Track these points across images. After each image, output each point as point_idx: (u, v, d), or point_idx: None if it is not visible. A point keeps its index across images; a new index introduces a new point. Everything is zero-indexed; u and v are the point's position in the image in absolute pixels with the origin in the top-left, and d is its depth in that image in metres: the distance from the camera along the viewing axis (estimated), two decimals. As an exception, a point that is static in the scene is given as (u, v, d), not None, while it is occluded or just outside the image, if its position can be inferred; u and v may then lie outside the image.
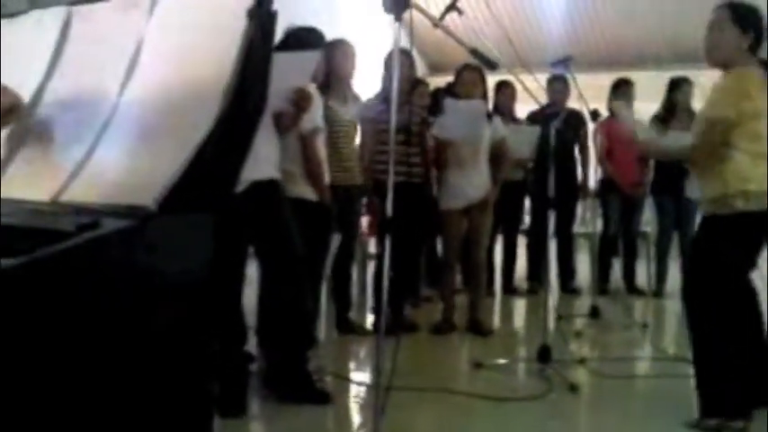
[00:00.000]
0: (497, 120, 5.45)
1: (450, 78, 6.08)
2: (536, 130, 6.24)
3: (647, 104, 6.72)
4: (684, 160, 3.47)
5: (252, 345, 3.85)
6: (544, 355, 4.25)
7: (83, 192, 1.30)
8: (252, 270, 3.79)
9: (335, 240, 4.64)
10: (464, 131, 5.09)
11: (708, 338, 3.35)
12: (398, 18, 2.84)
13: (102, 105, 1.32)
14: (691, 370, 3.70)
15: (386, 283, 2.96)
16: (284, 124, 3.79)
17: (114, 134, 1.26)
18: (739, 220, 3.24)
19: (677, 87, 6.49)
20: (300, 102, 3.77)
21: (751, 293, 3.35)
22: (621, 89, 6.65)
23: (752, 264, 3.38)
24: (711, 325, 3.32)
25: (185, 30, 1.28)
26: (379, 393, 2.81)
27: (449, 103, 5.08)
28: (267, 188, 3.54)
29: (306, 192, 4.18)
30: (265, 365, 3.79)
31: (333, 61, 4.73)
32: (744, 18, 3.30)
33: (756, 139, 3.23)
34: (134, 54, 1.26)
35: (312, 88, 3.94)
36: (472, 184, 5.20)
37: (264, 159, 3.51)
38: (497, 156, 5.33)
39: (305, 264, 3.65)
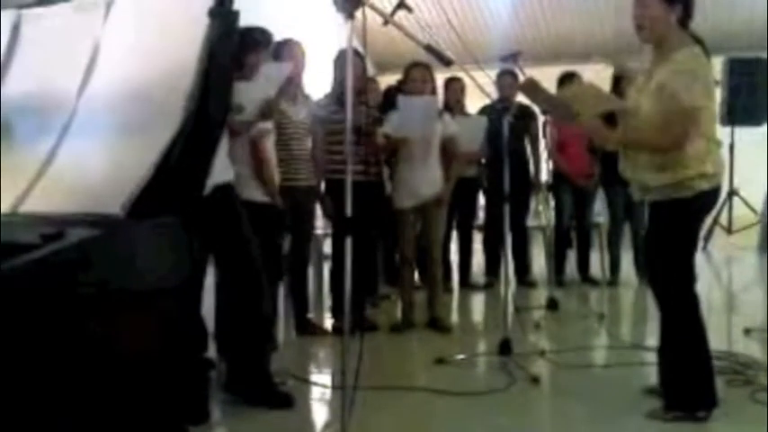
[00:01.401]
0: (447, 116, 5.46)
1: (397, 77, 6.08)
2: (483, 121, 6.24)
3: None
4: (642, 149, 3.41)
5: (211, 350, 3.81)
6: (504, 348, 4.27)
7: (45, 201, 1.25)
8: (209, 276, 3.75)
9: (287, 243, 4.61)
10: (417, 128, 5.08)
11: (676, 329, 3.39)
12: (351, 16, 2.83)
13: (60, 110, 1.28)
14: (647, 357, 3.76)
15: (348, 282, 2.94)
16: (241, 132, 3.80)
17: (75, 140, 1.22)
18: (698, 200, 3.29)
19: (622, 79, 6.56)
20: (267, 113, 3.85)
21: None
22: (568, 82, 6.71)
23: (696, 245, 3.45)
24: (680, 315, 3.36)
25: (145, 31, 1.25)
26: (345, 394, 2.80)
27: (402, 100, 5.07)
28: (226, 192, 3.51)
29: (256, 194, 4.15)
30: (226, 370, 3.75)
31: (283, 61, 4.69)
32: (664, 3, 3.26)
33: (710, 120, 3.30)
34: (91, 57, 1.22)
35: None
36: (425, 181, 5.20)
37: (222, 162, 3.48)
38: (448, 152, 5.34)
39: (263, 268, 3.62)
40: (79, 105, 1.22)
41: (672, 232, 3.36)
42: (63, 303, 1.20)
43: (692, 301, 3.33)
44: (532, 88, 3.62)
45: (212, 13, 1.40)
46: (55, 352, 1.24)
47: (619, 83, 6.54)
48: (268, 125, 4.11)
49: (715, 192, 3.33)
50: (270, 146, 4.23)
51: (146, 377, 1.43)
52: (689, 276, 3.34)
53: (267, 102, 3.84)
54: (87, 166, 1.21)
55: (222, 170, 3.49)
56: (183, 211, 1.32)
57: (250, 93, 3.52)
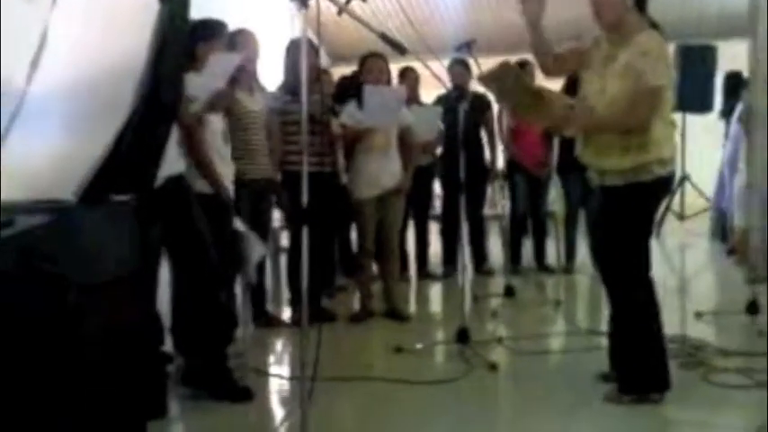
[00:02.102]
0: (403, 107, 5.45)
1: (350, 68, 6.07)
2: (438, 110, 6.26)
3: (547, 84, 6.84)
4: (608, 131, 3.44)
5: (168, 344, 3.76)
6: (462, 336, 4.30)
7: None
8: (163, 270, 3.71)
9: (253, 235, 4.56)
10: (383, 118, 5.06)
11: (624, 313, 3.43)
12: (304, 5, 2.81)
13: (8, 97, 1.25)
14: (603, 342, 3.81)
15: (305, 274, 2.93)
16: (188, 122, 3.77)
17: (24, 126, 1.20)
18: (655, 185, 3.33)
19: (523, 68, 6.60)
20: (216, 103, 3.84)
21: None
22: (522, 70, 6.75)
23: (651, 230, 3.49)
24: (636, 298, 3.40)
25: (95, 17, 1.22)
26: (304, 385, 2.79)
27: (369, 89, 5.01)
28: (178, 183, 3.47)
29: (200, 185, 4.09)
30: (183, 365, 3.71)
31: (236, 51, 4.64)
32: None
33: (668, 103, 3.34)
34: (40, 42, 1.19)
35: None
36: (386, 171, 5.19)
37: (173, 154, 3.44)
38: (405, 143, 5.34)
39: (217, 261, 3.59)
40: (28, 93, 1.19)
41: (629, 216, 3.40)
42: (12, 291, 1.17)
43: (647, 285, 3.38)
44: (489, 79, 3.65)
45: (162, -1, 1.40)
46: (4, 343, 1.21)
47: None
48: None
49: (671, 177, 3.39)
50: (212, 135, 4.15)
51: (101, 369, 1.40)
52: (645, 260, 3.39)
53: (216, 93, 3.81)
54: (37, 154, 1.19)
55: (175, 161, 3.45)
56: (135, 198, 1.30)
57: (199, 84, 3.47)
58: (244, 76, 4.72)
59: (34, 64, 1.24)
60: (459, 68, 6.61)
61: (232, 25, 4.67)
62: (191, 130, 3.97)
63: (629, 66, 3.28)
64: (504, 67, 3.53)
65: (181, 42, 1.27)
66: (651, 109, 3.25)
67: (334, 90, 6.17)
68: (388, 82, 5.29)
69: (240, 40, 4.70)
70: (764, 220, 4.59)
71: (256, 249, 4.50)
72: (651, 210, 3.43)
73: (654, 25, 3.36)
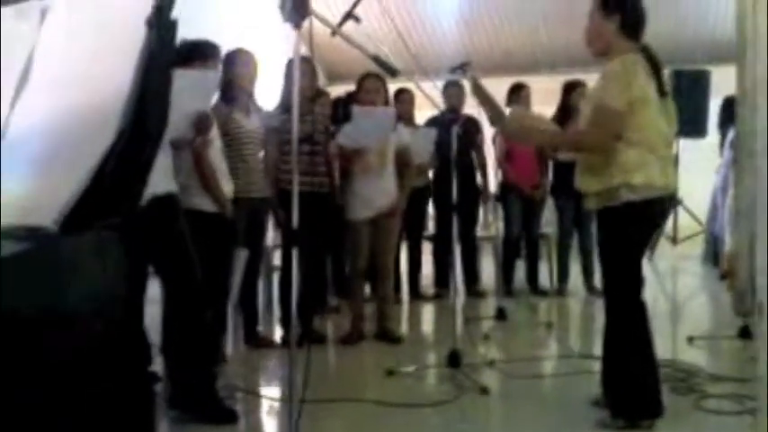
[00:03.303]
0: (401, 127, 5.46)
1: (347, 88, 6.08)
2: (432, 133, 6.28)
3: (542, 108, 6.87)
4: (574, 150, 3.56)
5: (157, 364, 3.74)
6: (454, 359, 4.28)
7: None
8: (155, 288, 3.69)
9: (243, 256, 4.55)
10: (373, 139, 5.06)
11: (621, 337, 3.42)
12: (298, 27, 2.81)
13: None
14: (595, 366, 3.79)
15: (295, 294, 2.92)
16: (182, 146, 3.78)
17: (7, 151, 1.19)
18: (627, 210, 3.31)
19: (572, 90, 6.64)
20: (201, 127, 3.83)
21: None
22: (517, 93, 6.79)
23: (642, 251, 3.48)
24: (624, 322, 3.39)
25: (81, 40, 1.21)
26: (293, 407, 2.77)
27: (357, 110, 5.03)
28: (166, 203, 3.45)
29: (203, 203, 4.11)
30: (170, 386, 3.67)
31: (234, 71, 4.65)
32: (606, 2, 3.39)
33: (640, 128, 3.30)
34: (25, 66, 1.18)
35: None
36: (381, 192, 5.18)
37: (162, 172, 3.42)
38: (401, 163, 5.34)
39: (205, 282, 3.56)
40: (11, 116, 1.18)
41: (609, 240, 3.43)
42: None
43: (637, 309, 3.37)
44: (476, 87, 3.74)
45: (150, 23, 1.38)
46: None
47: (569, 92, 6.66)
48: (211, 134, 4.07)
49: (650, 203, 3.33)
50: (214, 154, 4.18)
51: (86, 394, 1.39)
52: (632, 284, 3.38)
53: (199, 116, 3.83)
54: (18, 179, 1.18)
55: (162, 180, 3.44)
56: (118, 226, 1.29)
57: (177, 105, 3.47)
58: (240, 96, 4.73)
59: (19, 88, 1.23)
60: (455, 90, 6.64)
61: (227, 45, 4.69)
62: (198, 150, 3.98)
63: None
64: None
65: (168, 68, 1.26)
66: (605, 130, 3.31)
67: (330, 110, 6.18)
68: (386, 102, 5.30)
69: (238, 61, 4.70)
70: (751, 250, 4.56)
71: (240, 256, 4.51)
72: (629, 235, 3.38)
73: (644, 49, 3.38)
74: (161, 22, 1.30)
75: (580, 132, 3.54)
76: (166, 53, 1.29)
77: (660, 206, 3.45)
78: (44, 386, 1.21)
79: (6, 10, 1.57)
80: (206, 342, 3.61)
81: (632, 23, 3.39)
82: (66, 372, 1.24)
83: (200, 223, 3.84)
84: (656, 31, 3.48)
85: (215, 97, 4.37)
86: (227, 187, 4.30)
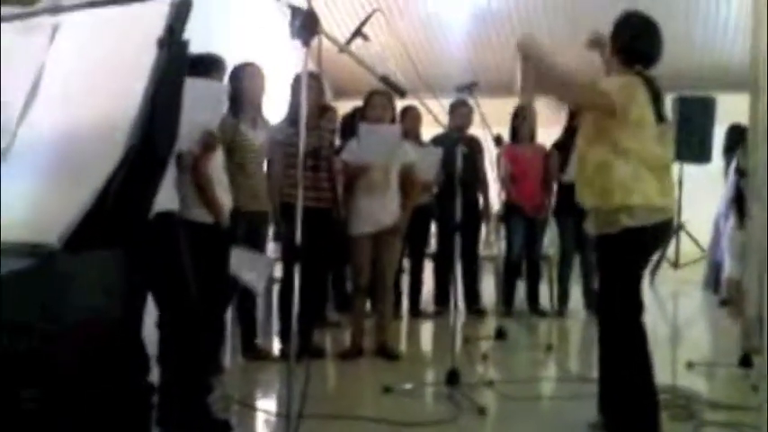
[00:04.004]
0: (406, 144, 5.47)
1: (355, 103, 6.10)
2: (438, 152, 6.29)
3: (547, 130, 6.92)
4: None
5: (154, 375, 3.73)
6: (452, 378, 4.27)
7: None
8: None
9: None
10: (378, 156, 5.08)
11: (614, 361, 3.42)
12: (306, 44, 2.83)
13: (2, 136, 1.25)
14: (594, 390, 3.78)
15: (295, 309, 2.92)
16: (187, 165, 3.80)
17: (13, 167, 1.19)
18: (625, 236, 3.32)
19: (579, 113, 6.63)
20: (207, 145, 3.87)
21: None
22: (522, 114, 6.81)
23: (640, 276, 3.47)
24: (618, 347, 3.39)
25: (91, 57, 1.22)
26: (290, 422, 2.77)
27: (363, 128, 5.06)
28: (167, 221, 3.44)
29: (201, 214, 4.11)
30: (159, 404, 3.62)
31: (242, 85, 4.67)
32: (614, 32, 3.50)
33: (636, 140, 3.32)
34: (34, 82, 1.18)
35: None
36: (383, 209, 5.18)
37: (165, 189, 3.42)
38: (406, 181, 5.34)
39: (201, 296, 3.56)
40: (19, 132, 1.18)
41: (608, 266, 3.45)
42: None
43: (635, 334, 3.36)
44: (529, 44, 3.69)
45: (161, 43, 1.37)
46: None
47: (575, 115, 6.67)
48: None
49: (647, 229, 3.34)
50: (214, 166, 4.19)
51: (86, 407, 1.39)
52: (631, 308, 3.37)
53: (208, 133, 3.87)
54: (24, 195, 1.18)
55: (165, 197, 3.43)
56: (122, 244, 1.30)
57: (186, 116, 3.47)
58: (248, 110, 4.75)
59: (27, 103, 1.24)
60: (464, 110, 6.64)
61: (235, 60, 4.71)
62: (197, 160, 4.00)
63: None
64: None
65: (178, 88, 1.26)
66: (593, 94, 3.38)
67: (338, 126, 6.21)
68: (393, 119, 5.31)
69: (247, 74, 4.72)
70: (762, 287, 4.54)
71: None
72: (628, 261, 3.39)
73: (639, 74, 3.41)
74: (172, 42, 1.30)
75: (576, 83, 3.51)
76: (177, 73, 1.29)
77: (659, 232, 3.45)
78: (45, 397, 1.22)
79: (17, 24, 1.57)
80: (199, 361, 3.60)
81: (629, 51, 3.44)
82: (68, 384, 1.24)
83: (197, 234, 3.84)
84: (662, 56, 3.50)
85: (224, 109, 4.38)
86: (227, 199, 4.30)
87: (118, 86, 1.23)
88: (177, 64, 1.28)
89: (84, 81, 1.21)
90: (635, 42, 3.45)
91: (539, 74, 3.45)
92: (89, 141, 1.18)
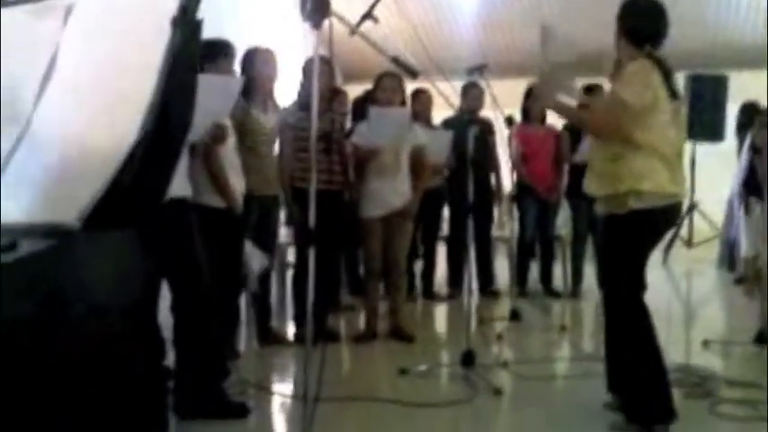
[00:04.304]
0: (417, 127, 5.46)
1: (365, 87, 6.08)
2: (449, 135, 6.28)
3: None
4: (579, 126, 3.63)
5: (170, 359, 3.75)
6: (467, 359, 4.28)
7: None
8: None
9: (257, 251, 4.58)
10: (387, 138, 5.07)
11: (622, 344, 3.41)
12: (317, 27, 2.82)
13: (16, 119, 1.24)
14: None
15: (310, 292, 2.93)
16: (199, 153, 3.82)
17: (31, 149, 1.19)
18: (633, 219, 3.31)
19: (590, 93, 6.61)
20: (216, 137, 3.92)
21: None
22: (533, 96, 6.76)
23: (646, 258, 3.46)
24: (624, 330, 3.39)
25: (106, 38, 1.21)
26: (306, 405, 2.78)
27: (373, 110, 5.05)
28: (180, 207, 3.45)
29: (213, 199, 4.13)
30: (175, 386, 3.64)
31: (254, 69, 4.67)
32: (621, 14, 3.48)
33: (651, 131, 3.31)
34: (49, 64, 1.18)
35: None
36: (394, 191, 5.18)
37: (179, 175, 3.43)
38: (417, 163, 5.34)
39: (214, 280, 3.57)
40: (35, 115, 1.18)
41: (613, 246, 3.44)
42: (18, 314, 1.17)
43: (639, 311, 3.36)
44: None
45: (175, 22, 1.37)
46: (9, 362, 1.21)
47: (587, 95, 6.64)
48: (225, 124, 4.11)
49: (655, 212, 3.33)
50: (227, 150, 4.21)
51: (103, 388, 1.40)
52: (633, 288, 3.37)
53: (219, 126, 3.91)
54: (42, 177, 1.18)
55: (179, 183, 3.45)
56: (139, 224, 1.30)
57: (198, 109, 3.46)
58: (259, 94, 4.74)
59: (43, 85, 1.24)
60: (476, 92, 6.62)
61: (246, 44, 4.70)
62: (209, 148, 4.01)
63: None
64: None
65: (193, 68, 1.25)
66: (613, 121, 3.33)
67: (350, 109, 6.20)
68: (402, 102, 5.30)
69: (259, 59, 4.72)
70: None
71: (257, 260, 4.53)
72: (633, 243, 3.38)
73: (649, 55, 3.39)
74: (186, 22, 1.30)
75: (591, 115, 3.60)
76: (191, 53, 1.28)
77: (668, 215, 3.44)
78: (61, 375, 1.22)
79: (30, 7, 1.57)
80: (213, 345, 3.62)
81: (637, 32, 3.42)
82: (84, 364, 1.24)
83: (209, 219, 3.86)
84: (674, 35, 3.49)
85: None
86: (239, 183, 4.32)
87: (133, 66, 1.22)
88: (191, 43, 1.27)
89: (98, 62, 1.20)
90: (641, 23, 3.45)
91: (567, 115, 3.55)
92: (107, 121, 1.17)
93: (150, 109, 1.18)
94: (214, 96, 3.65)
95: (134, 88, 1.19)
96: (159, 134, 1.23)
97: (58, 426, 1.30)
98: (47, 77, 1.17)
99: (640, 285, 3.37)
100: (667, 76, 3.38)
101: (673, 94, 3.38)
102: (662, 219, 3.43)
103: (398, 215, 5.21)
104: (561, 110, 3.69)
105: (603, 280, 3.53)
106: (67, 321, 1.16)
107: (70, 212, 1.15)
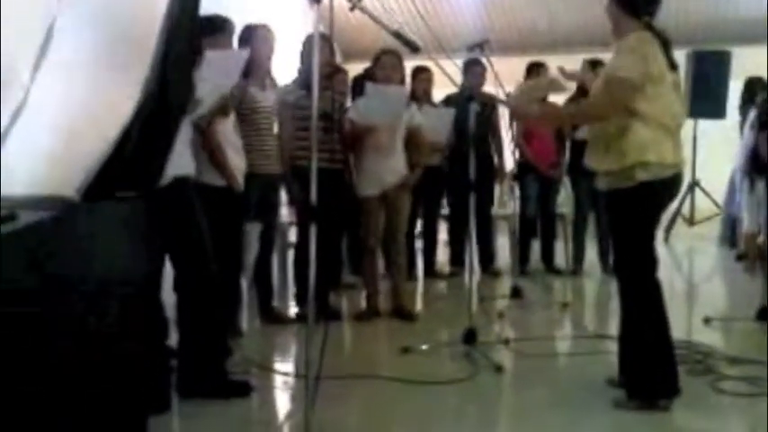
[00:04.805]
0: (413, 106, 5.45)
1: (364, 65, 6.05)
2: (451, 113, 6.25)
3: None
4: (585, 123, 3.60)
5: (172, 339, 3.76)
6: (469, 337, 4.28)
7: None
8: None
9: (255, 230, 4.57)
10: (384, 116, 5.05)
11: (632, 318, 3.41)
12: (317, 1, 2.79)
13: (12, 89, 1.22)
14: (611, 346, 3.78)
15: (312, 271, 2.92)
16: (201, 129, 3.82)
17: (29, 120, 1.17)
18: (640, 191, 3.31)
19: (593, 69, 6.58)
20: (223, 109, 3.96)
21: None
22: (535, 72, 6.74)
23: (654, 230, 3.46)
24: (634, 303, 3.39)
25: (103, 6, 1.19)
26: (309, 383, 2.78)
27: (369, 87, 5.02)
28: (183, 186, 3.44)
29: (213, 178, 4.12)
30: (179, 365, 3.64)
31: (252, 46, 4.63)
32: None
33: (654, 103, 3.30)
34: (46, 34, 1.16)
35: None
36: (389, 169, 5.17)
37: (181, 153, 3.42)
38: (413, 142, 5.32)
39: (217, 258, 3.56)
40: (33, 85, 1.16)
41: (621, 222, 3.43)
42: (19, 287, 1.16)
43: (650, 290, 3.35)
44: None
45: (174, -8, 1.36)
46: (11, 339, 1.20)
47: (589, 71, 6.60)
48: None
49: (661, 183, 3.33)
50: (227, 128, 4.19)
51: (104, 366, 1.39)
52: (644, 265, 3.36)
53: (224, 98, 3.90)
54: (40, 147, 1.16)
55: (183, 161, 3.44)
56: (140, 196, 1.28)
57: (204, 83, 3.43)
58: (257, 71, 4.71)
59: (39, 58, 1.22)
60: (479, 69, 6.57)
61: (245, 21, 4.66)
62: (206, 124, 3.99)
63: (607, 65, 3.47)
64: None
65: (191, 38, 1.23)
66: (615, 99, 3.32)
67: (349, 87, 6.17)
68: (402, 80, 5.27)
69: (257, 35, 4.68)
70: None
71: (253, 247, 4.53)
72: (641, 216, 3.38)
73: (648, 26, 3.37)
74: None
75: (589, 103, 3.58)
76: (189, 25, 1.26)
77: (670, 184, 3.43)
78: (62, 351, 1.21)
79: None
80: (216, 323, 3.62)
81: (632, 2, 3.39)
82: (84, 342, 1.23)
83: (210, 197, 3.85)
84: (677, 10, 3.46)
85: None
86: (240, 162, 4.31)
87: (130, 35, 1.20)
88: (188, 13, 1.25)
89: (95, 31, 1.18)
90: None
91: (566, 121, 3.58)
92: (105, 91, 1.16)
93: (149, 78, 1.17)
94: (221, 71, 3.64)
95: (131, 59, 1.17)
96: (158, 106, 1.21)
97: (57, 399, 1.30)
98: (43, 50, 1.15)
99: (653, 262, 3.37)
100: (666, 47, 3.36)
101: (671, 65, 3.37)
102: (666, 190, 3.43)
103: (395, 192, 5.19)
104: (554, 119, 3.70)
105: (616, 260, 3.51)
106: (68, 293, 1.15)
107: (70, 184, 1.13)
